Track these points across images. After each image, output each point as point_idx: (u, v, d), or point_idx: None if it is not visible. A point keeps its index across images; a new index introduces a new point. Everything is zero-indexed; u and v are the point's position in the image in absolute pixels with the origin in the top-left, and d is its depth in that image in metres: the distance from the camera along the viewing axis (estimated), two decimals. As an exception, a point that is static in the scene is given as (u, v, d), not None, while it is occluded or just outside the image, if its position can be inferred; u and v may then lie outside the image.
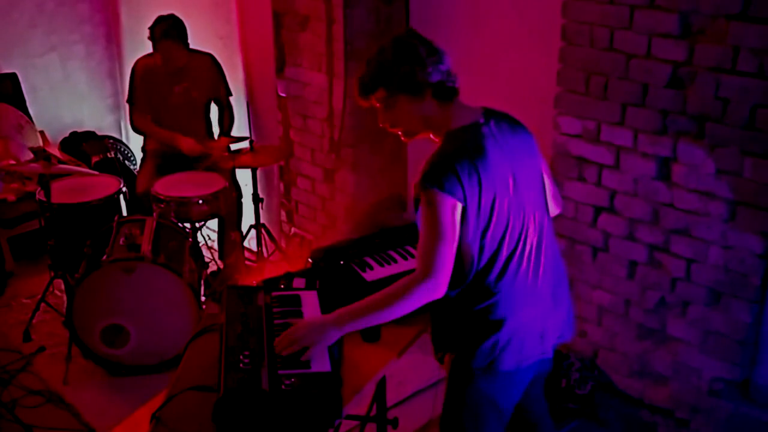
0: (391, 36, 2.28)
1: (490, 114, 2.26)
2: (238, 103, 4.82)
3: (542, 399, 2.62)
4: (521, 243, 2.23)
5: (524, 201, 2.24)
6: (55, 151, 5.29)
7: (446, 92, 2.22)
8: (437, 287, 2.12)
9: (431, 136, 2.27)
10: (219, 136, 4.65)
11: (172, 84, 4.49)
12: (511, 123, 2.30)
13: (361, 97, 2.27)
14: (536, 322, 2.29)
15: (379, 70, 2.21)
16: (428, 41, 2.24)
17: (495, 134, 2.21)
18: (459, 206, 2.10)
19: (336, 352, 2.22)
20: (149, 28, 4.33)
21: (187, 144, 4.38)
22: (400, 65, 2.18)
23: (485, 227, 2.16)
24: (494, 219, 2.16)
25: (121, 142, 5.81)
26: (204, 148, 4.38)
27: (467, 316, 2.24)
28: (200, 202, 4.14)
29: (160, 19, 4.33)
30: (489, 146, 2.17)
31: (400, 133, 2.31)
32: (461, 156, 2.13)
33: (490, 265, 2.20)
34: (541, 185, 2.35)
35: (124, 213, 4.51)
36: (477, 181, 2.12)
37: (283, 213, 4.86)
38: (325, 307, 2.40)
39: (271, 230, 4.64)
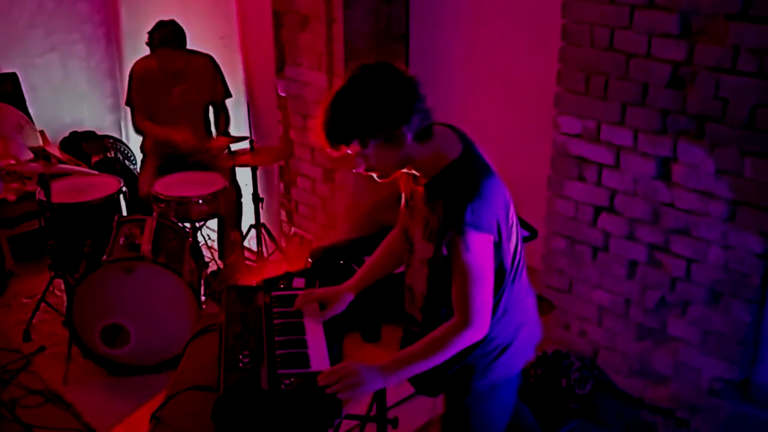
0: (360, 68, 1.99)
1: (458, 131, 2.14)
2: (238, 103, 4.82)
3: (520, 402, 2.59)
4: (520, 256, 2.20)
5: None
6: (55, 151, 5.29)
7: (426, 131, 2.03)
8: (480, 331, 2.06)
9: (413, 171, 2.10)
10: (216, 136, 4.64)
11: (170, 86, 4.48)
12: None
13: (330, 148, 2.02)
14: (533, 331, 2.31)
15: (350, 122, 1.95)
16: (400, 73, 1.98)
17: (478, 150, 2.13)
18: (492, 240, 2.03)
19: (336, 351, 2.22)
20: (148, 33, 4.32)
21: (182, 136, 4.36)
22: (374, 113, 1.93)
23: (515, 249, 2.13)
24: (513, 235, 2.13)
25: (121, 141, 5.81)
26: (199, 141, 4.37)
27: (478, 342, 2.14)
28: (200, 201, 4.15)
29: (160, 25, 4.31)
30: (488, 163, 2.10)
31: (375, 175, 2.11)
32: (485, 188, 2.00)
33: (503, 281, 2.14)
34: None
35: (124, 213, 4.51)
36: (503, 205, 2.06)
37: (283, 213, 4.86)
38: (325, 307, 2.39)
39: (271, 230, 4.64)
